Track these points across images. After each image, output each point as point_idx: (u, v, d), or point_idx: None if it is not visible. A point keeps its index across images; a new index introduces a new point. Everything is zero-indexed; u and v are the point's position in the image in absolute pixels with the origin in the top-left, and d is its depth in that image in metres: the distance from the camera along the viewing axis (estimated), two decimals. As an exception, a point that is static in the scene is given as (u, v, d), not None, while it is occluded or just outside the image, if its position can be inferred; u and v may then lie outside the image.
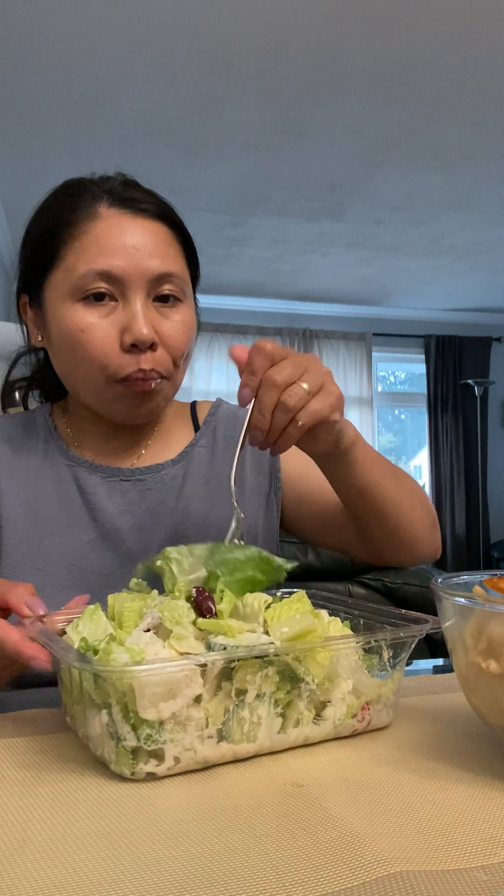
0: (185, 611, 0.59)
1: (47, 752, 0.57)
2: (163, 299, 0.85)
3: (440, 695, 0.72)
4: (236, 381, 0.72)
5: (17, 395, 1.06)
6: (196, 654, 0.54)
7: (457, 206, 4.01)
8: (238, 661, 0.53)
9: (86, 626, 0.59)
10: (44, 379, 1.02)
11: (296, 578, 0.73)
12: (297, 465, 0.99)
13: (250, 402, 0.70)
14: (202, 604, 0.59)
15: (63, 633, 0.60)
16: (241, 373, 0.71)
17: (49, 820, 0.46)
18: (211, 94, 2.87)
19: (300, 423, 0.69)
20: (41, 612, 0.63)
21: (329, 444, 0.77)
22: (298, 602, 0.62)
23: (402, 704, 0.68)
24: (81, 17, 2.38)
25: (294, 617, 0.58)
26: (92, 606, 0.61)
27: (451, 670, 0.60)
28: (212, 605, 0.59)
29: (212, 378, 5.62)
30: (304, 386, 0.69)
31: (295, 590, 0.74)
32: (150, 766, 0.52)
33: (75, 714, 0.58)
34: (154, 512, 0.92)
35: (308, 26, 2.45)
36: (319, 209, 4.03)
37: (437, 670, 0.87)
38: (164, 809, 0.47)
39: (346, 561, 2.12)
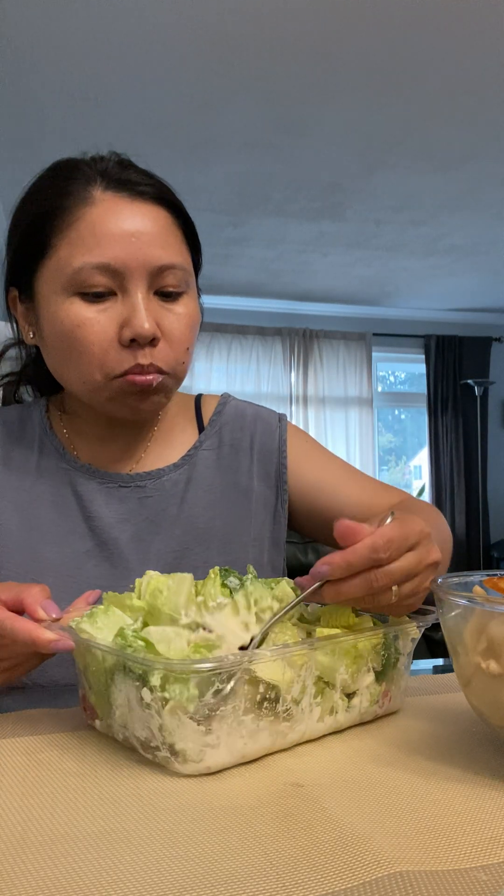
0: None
1: (48, 751, 0.57)
2: (165, 295, 0.80)
3: (440, 695, 0.72)
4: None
5: (2, 391, 1.00)
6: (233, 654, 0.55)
7: (457, 206, 4.01)
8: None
9: (104, 621, 0.59)
10: (35, 374, 0.96)
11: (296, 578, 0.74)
12: (308, 478, 0.94)
13: (321, 580, 0.58)
14: None
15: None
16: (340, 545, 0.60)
17: (49, 820, 0.46)
18: (211, 94, 2.87)
19: (363, 605, 0.61)
20: (55, 616, 0.61)
21: None
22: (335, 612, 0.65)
23: (402, 704, 0.68)
24: (81, 16, 2.38)
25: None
26: (102, 606, 0.61)
27: (451, 670, 0.60)
28: None
29: (212, 378, 5.61)
30: (394, 589, 0.59)
31: None
32: (207, 762, 0.52)
33: (116, 718, 0.57)
34: (154, 521, 0.87)
35: (308, 26, 2.44)
36: (319, 209, 4.03)
37: (437, 670, 0.87)
38: (164, 809, 0.47)
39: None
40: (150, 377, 0.78)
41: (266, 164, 3.48)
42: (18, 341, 0.92)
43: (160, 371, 0.79)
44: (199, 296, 0.87)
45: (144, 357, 0.77)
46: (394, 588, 0.59)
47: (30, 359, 0.96)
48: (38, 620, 0.61)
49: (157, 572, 0.62)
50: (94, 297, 0.77)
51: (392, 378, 6.81)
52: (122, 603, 0.60)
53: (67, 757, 0.56)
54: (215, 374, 5.64)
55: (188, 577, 0.59)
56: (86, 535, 0.86)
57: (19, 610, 0.63)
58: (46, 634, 0.58)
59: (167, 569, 0.86)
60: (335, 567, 0.57)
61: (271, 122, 3.10)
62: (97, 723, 0.61)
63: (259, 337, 5.73)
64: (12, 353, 0.97)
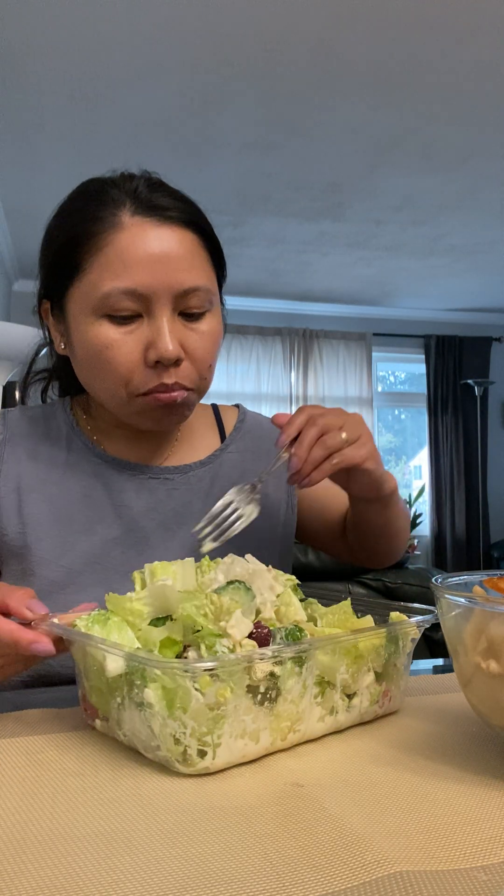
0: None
1: (48, 751, 0.57)
2: (189, 315, 0.82)
3: (440, 695, 0.72)
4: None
5: (29, 390, 1.05)
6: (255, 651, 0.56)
7: (457, 206, 4.01)
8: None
9: (99, 630, 0.59)
10: (62, 373, 1.00)
11: (297, 578, 0.74)
12: (315, 486, 1.02)
13: (284, 446, 0.77)
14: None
15: None
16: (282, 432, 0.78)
17: (49, 820, 0.46)
18: (211, 94, 2.87)
19: (335, 461, 0.76)
20: (42, 613, 0.62)
21: (369, 490, 0.85)
22: (337, 612, 0.67)
23: (402, 704, 0.68)
24: (81, 16, 2.38)
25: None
26: (96, 613, 0.61)
27: (451, 670, 0.60)
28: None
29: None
30: (343, 435, 0.77)
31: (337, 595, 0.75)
32: (207, 761, 0.52)
33: (121, 718, 0.57)
34: (180, 512, 0.92)
35: (308, 26, 2.44)
36: (319, 209, 4.03)
37: (437, 670, 0.87)
38: (164, 809, 0.47)
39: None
40: (174, 394, 0.82)
41: (266, 164, 3.48)
42: (49, 342, 0.95)
43: (185, 388, 0.83)
44: (223, 308, 0.90)
45: (169, 377, 0.81)
46: (342, 434, 0.76)
47: (60, 359, 0.99)
48: (25, 620, 0.62)
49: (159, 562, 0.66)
50: (122, 319, 0.80)
51: (392, 378, 6.81)
52: (123, 606, 0.60)
53: (67, 757, 0.56)
54: (215, 373, 5.61)
55: (189, 561, 0.66)
56: (114, 523, 0.89)
57: (6, 613, 0.64)
58: (27, 636, 0.60)
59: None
60: (284, 430, 0.77)
61: (271, 122, 3.10)
62: (97, 723, 0.61)
63: (259, 337, 5.73)
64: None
